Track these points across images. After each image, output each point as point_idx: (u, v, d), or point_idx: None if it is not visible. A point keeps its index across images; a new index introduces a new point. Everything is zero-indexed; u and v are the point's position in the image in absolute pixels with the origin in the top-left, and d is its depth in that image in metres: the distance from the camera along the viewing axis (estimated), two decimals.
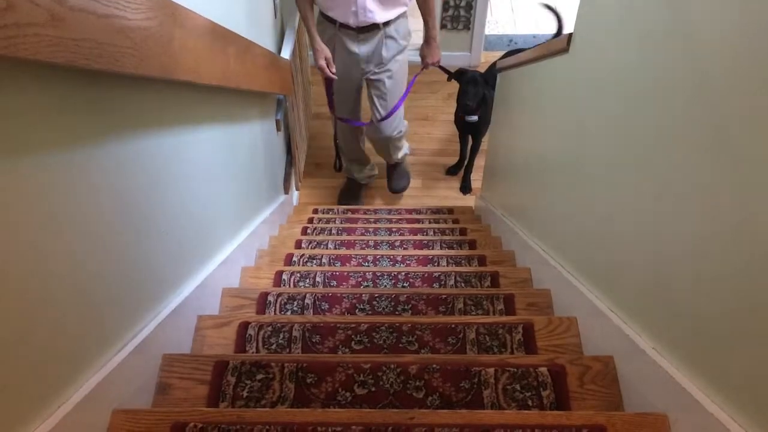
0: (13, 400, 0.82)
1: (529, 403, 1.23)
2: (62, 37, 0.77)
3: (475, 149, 3.67)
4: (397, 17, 2.65)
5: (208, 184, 1.66)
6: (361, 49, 2.70)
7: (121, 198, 1.11)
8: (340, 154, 3.38)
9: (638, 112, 1.23)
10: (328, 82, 2.84)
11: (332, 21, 2.62)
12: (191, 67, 1.32)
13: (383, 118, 2.94)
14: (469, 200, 3.69)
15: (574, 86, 1.66)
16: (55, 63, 0.77)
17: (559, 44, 1.74)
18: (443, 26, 4.55)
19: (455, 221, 3.15)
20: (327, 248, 2.52)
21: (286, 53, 2.89)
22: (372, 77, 2.84)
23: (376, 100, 2.92)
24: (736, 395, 0.90)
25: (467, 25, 4.59)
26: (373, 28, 2.62)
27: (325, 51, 2.64)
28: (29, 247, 0.83)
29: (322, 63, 2.65)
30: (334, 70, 2.71)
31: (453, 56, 4.59)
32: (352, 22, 2.56)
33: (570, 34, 1.67)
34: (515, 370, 1.27)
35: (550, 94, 1.96)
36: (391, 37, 2.69)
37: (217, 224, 1.79)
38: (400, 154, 3.44)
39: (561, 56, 1.77)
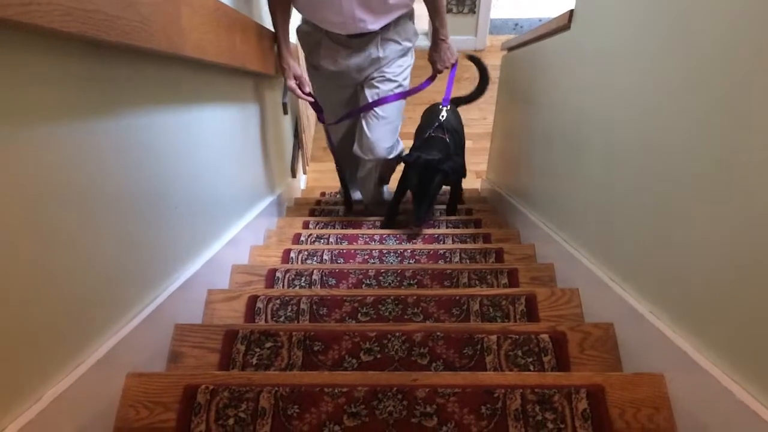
0: (30, 359, 0.86)
1: (531, 368, 1.27)
2: (74, 7, 0.80)
3: (455, 193, 2.92)
4: (398, 19, 2.15)
5: (218, 162, 1.69)
6: (352, 59, 2.20)
7: (133, 171, 1.14)
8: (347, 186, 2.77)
9: (637, 86, 1.25)
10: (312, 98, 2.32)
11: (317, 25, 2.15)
12: (198, 45, 1.35)
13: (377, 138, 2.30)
14: (475, 182, 3.71)
15: (576, 62, 1.68)
16: (67, 32, 0.80)
17: (561, 21, 1.76)
18: (448, 10, 4.56)
19: (461, 202, 3.17)
20: (335, 228, 2.55)
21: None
22: (367, 81, 2.31)
23: (367, 117, 2.33)
24: (729, 352, 0.93)
25: (472, 9, 4.60)
26: (368, 33, 2.12)
27: (293, 68, 2.17)
28: (44, 216, 0.86)
29: (292, 83, 2.19)
30: (308, 90, 2.24)
31: (459, 40, 4.59)
32: (341, 32, 2.10)
33: (571, 11, 1.69)
34: (517, 337, 1.30)
35: (551, 73, 1.97)
36: (391, 40, 2.19)
37: (227, 203, 1.83)
38: (385, 192, 2.84)
39: (563, 34, 1.79)
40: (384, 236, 2.30)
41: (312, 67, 2.35)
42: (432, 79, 2.44)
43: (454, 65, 2.37)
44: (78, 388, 0.95)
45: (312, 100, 2.27)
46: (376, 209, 2.77)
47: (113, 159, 1.06)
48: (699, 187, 1.00)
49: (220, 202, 1.75)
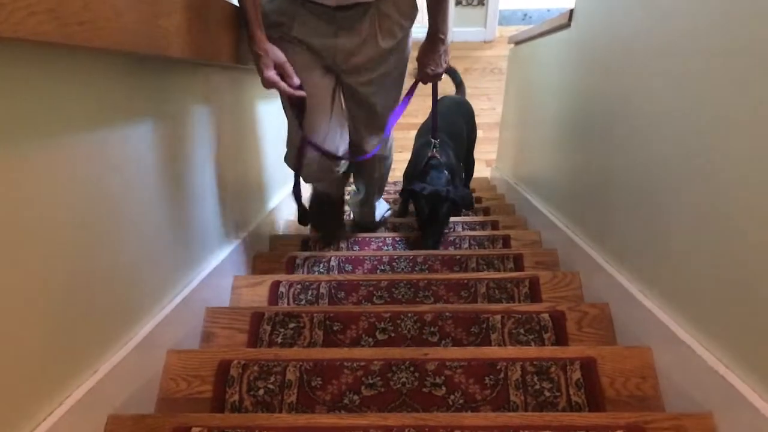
0: (88, 337, 1.00)
1: (532, 344, 1.38)
2: (123, 29, 0.92)
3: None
4: None
5: (243, 158, 1.82)
6: (339, 40, 1.60)
7: (168, 169, 1.27)
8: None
9: (631, 83, 1.36)
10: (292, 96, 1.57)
11: None
12: (224, 50, 1.46)
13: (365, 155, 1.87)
14: (485, 171, 3.81)
15: (576, 58, 1.78)
16: (120, 50, 0.93)
17: (562, 20, 1.86)
18: (457, 2, 4.61)
19: (471, 191, 3.27)
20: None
21: None
22: (353, 81, 1.75)
23: (357, 122, 1.88)
24: (707, 325, 1.04)
25: (481, 0, 4.66)
26: (359, 3, 1.53)
27: (274, 54, 1.50)
28: (99, 214, 1.00)
29: (271, 75, 1.49)
30: (297, 82, 1.55)
31: (467, 32, 4.67)
32: (325, 1, 1.50)
33: (571, 10, 1.79)
34: (520, 316, 1.42)
35: (553, 68, 2.07)
36: (388, 16, 1.59)
37: (249, 195, 1.95)
38: (377, 213, 2.31)
39: (564, 31, 1.89)
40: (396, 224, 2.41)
41: (277, 40, 1.56)
42: (411, 90, 1.92)
43: (439, 76, 1.83)
44: (127, 362, 1.08)
45: (303, 95, 1.59)
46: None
47: (154, 157, 1.19)
48: (681, 180, 1.10)
49: (244, 194, 1.88)
